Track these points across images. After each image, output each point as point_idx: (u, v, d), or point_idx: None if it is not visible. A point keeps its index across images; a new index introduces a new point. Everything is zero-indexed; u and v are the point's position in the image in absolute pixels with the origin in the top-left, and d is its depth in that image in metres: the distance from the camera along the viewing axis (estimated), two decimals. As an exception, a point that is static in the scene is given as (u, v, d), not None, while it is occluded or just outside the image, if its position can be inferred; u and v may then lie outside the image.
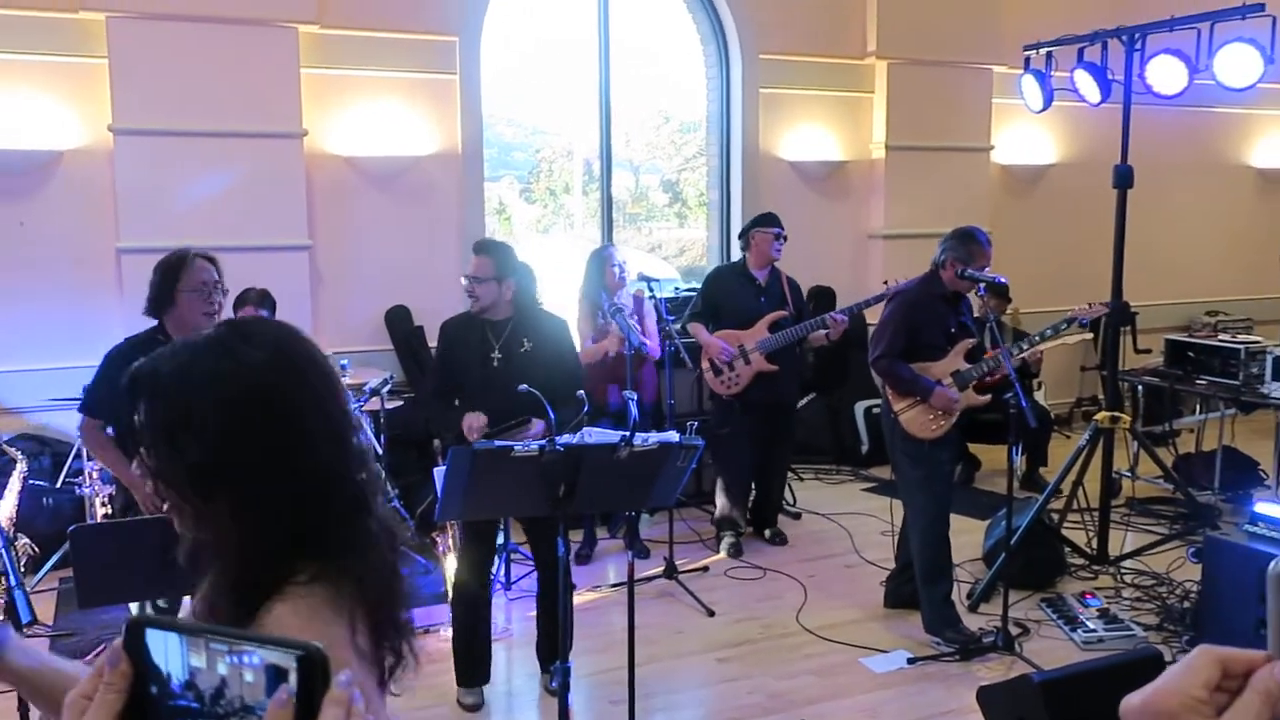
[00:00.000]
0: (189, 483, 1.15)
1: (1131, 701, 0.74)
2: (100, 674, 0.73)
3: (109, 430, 3.50)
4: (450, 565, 4.68)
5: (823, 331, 5.52)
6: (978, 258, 4.41)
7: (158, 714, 0.71)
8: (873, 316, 5.63)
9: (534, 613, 4.23)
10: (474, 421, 3.76)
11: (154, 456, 1.15)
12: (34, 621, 4.47)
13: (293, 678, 0.67)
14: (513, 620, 4.79)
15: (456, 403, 3.95)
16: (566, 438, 3.01)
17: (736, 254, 7.25)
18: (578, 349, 4.37)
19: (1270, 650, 0.75)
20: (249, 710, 0.68)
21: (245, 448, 1.14)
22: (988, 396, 4.58)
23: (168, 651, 0.71)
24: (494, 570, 4.37)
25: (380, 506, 1.23)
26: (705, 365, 5.58)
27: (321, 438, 1.18)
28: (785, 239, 5.63)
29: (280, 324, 1.27)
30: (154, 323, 3.51)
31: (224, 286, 3.55)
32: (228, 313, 5.29)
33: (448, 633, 4.14)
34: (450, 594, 4.03)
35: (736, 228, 7.41)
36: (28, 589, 4.25)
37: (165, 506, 1.20)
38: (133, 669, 0.72)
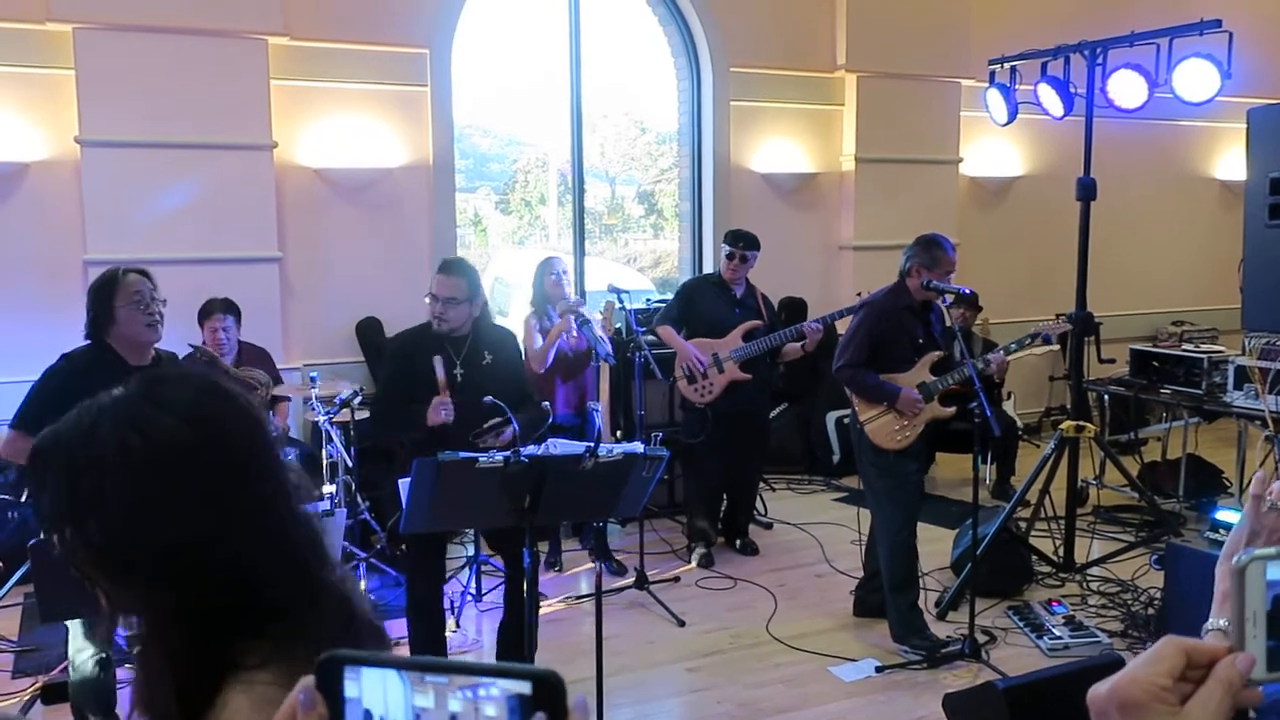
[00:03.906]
0: (98, 565, 1.02)
1: (1099, 690, 0.75)
2: (292, 716, 0.67)
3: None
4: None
5: (798, 344, 5.54)
6: (942, 263, 4.45)
7: None
8: (844, 326, 5.67)
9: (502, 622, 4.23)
10: (437, 415, 3.70)
11: (60, 538, 1.02)
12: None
13: (539, 714, 0.61)
14: (483, 631, 4.79)
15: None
16: (531, 449, 3.02)
17: (709, 266, 7.30)
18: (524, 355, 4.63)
19: (1232, 641, 0.76)
20: None
21: (154, 526, 1.00)
22: (953, 409, 4.62)
23: (387, 692, 0.64)
24: (448, 577, 4.41)
25: (330, 573, 1.09)
26: (679, 373, 5.58)
27: (247, 504, 1.04)
28: (744, 260, 5.56)
29: (201, 379, 1.12)
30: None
31: (161, 297, 3.47)
32: (193, 323, 5.30)
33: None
34: (406, 604, 4.03)
35: (708, 240, 7.46)
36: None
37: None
38: (329, 710, 0.66)
